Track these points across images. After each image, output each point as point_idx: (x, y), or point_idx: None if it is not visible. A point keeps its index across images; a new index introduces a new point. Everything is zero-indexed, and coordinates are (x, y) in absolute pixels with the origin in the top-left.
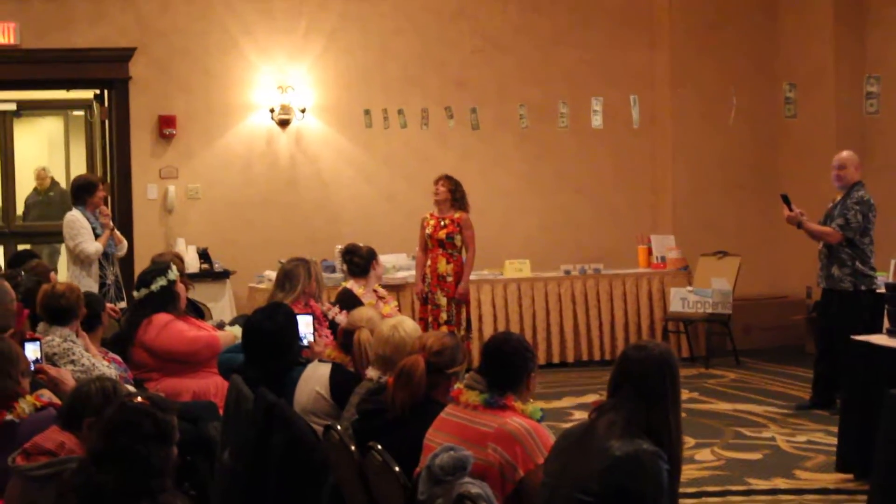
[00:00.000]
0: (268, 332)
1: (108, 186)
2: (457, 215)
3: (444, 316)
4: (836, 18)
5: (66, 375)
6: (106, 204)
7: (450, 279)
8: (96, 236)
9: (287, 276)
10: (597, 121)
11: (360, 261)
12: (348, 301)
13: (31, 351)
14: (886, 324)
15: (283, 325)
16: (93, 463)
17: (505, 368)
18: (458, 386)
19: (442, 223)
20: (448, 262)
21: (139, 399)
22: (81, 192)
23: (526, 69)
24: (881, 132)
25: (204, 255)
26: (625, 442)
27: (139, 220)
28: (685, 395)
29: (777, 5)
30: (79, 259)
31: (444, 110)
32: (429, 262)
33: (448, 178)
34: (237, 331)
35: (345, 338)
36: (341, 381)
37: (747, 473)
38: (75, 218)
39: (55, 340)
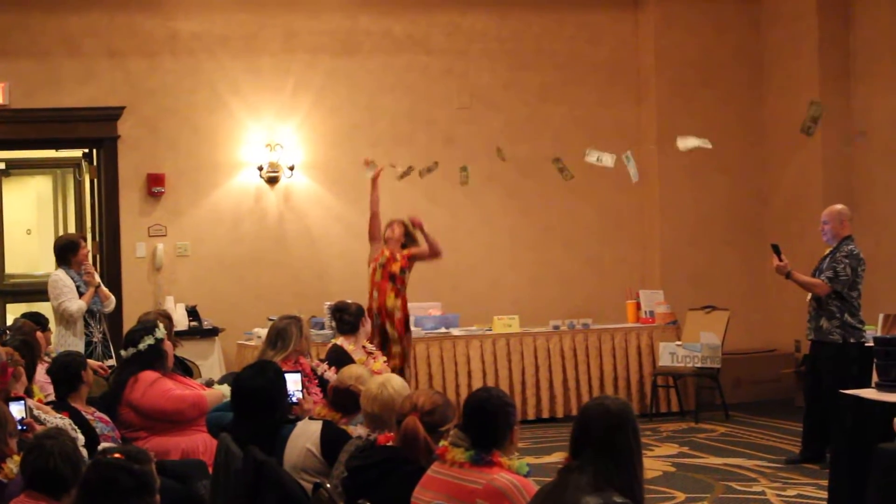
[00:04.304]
0: (257, 389)
1: (96, 244)
2: (405, 251)
3: (396, 348)
4: (822, 74)
5: None
6: (94, 262)
7: (398, 315)
8: (81, 294)
9: (279, 334)
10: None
11: (349, 318)
12: (339, 358)
13: (17, 410)
14: (875, 377)
15: (273, 381)
16: None
17: (489, 426)
18: (443, 443)
19: (395, 257)
20: (396, 297)
21: (114, 454)
22: (65, 252)
23: (514, 126)
24: (868, 186)
25: (192, 313)
26: (597, 497)
27: (128, 278)
28: (675, 449)
29: (763, 61)
30: (63, 318)
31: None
32: (376, 295)
33: (403, 223)
34: (226, 389)
35: (335, 395)
36: (332, 439)
37: None
38: (58, 278)
39: None
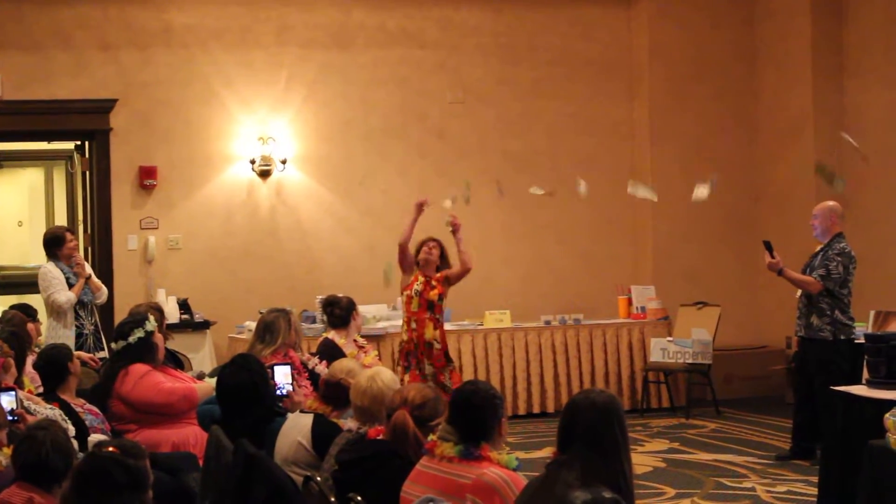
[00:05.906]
0: (242, 385)
1: (87, 237)
2: (438, 274)
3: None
4: (815, 69)
5: None
6: (85, 254)
7: (437, 346)
8: (71, 286)
9: (267, 328)
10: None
11: (340, 312)
12: (330, 352)
13: (8, 401)
14: (866, 374)
15: (257, 373)
16: None
17: (477, 420)
18: (431, 438)
19: (431, 283)
20: (435, 328)
21: (109, 448)
22: (52, 246)
23: (506, 121)
24: (860, 183)
25: (184, 306)
26: (585, 491)
27: (119, 270)
28: (665, 444)
29: (756, 57)
30: (53, 310)
31: (424, 161)
32: (414, 326)
33: (440, 243)
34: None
35: (326, 389)
36: (324, 432)
37: None
38: (47, 270)
39: None
